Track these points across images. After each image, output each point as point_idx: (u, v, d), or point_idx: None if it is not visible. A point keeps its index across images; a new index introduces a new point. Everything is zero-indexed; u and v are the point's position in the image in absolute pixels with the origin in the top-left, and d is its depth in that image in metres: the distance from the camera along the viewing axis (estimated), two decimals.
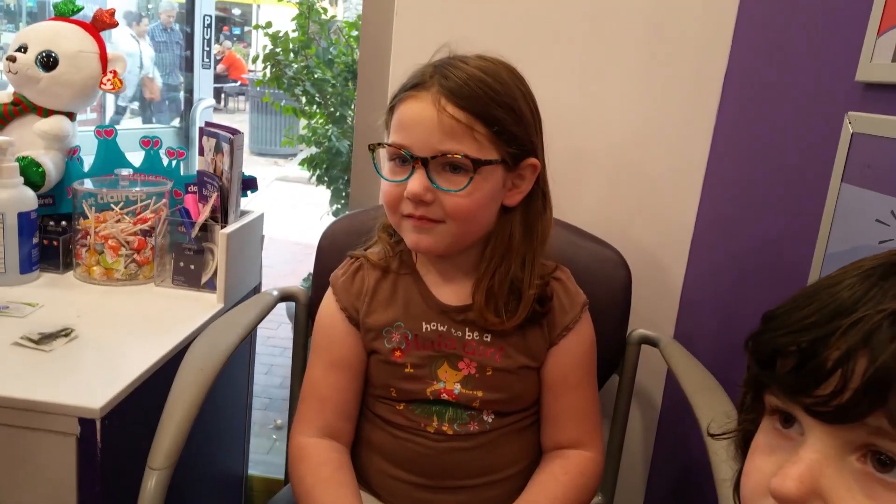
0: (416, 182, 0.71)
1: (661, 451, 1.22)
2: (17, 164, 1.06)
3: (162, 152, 1.22)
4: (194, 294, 1.11)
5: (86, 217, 1.12)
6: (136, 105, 3.34)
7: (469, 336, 0.79)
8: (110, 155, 1.20)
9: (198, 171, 1.16)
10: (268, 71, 2.34)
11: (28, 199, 1.07)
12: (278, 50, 2.31)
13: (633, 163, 1.12)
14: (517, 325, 0.78)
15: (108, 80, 1.16)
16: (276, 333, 2.71)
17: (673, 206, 1.13)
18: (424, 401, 0.80)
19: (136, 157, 1.21)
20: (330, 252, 0.98)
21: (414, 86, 0.73)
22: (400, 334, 0.80)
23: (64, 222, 1.16)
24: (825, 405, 0.34)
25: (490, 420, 0.80)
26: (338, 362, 0.82)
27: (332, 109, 2.31)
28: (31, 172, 1.09)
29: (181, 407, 0.75)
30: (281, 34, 2.32)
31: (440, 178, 0.72)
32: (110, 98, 3.05)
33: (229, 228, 1.08)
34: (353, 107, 2.26)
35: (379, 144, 0.77)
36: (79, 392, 0.78)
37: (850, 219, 0.69)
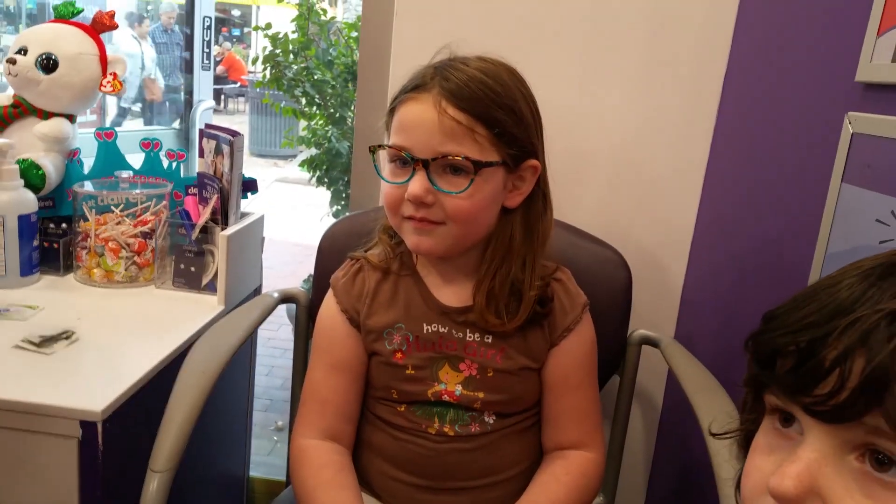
0: (417, 184, 0.71)
1: (662, 452, 1.22)
2: (17, 166, 1.06)
3: (162, 154, 1.22)
4: (195, 296, 1.11)
5: (86, 219, 1.12)
6: (138, 106, 3.33)
7: (470, 337, 0.79)
8: (110, 157, 1.20)
9: (198, 173, 1.16)
10: (267, 72, 2.34)
11: (28, 201, 1.07)
12: (278, 51, 2.31)
13: (633, 163, 1.12)
14: (518, 327, 0.78)
15: (108, 82, 1.16)
16: (277, 335, 2.71)
17: (673, 206, 1.13)
18: (425, 402, 0.80)
19: (135, 160, 1.22)
20: (330, 253, 0.98)
21: (414, 87, 0.73)
22: (401, 336, 0.80)
23: (64, 225, 1.16)
24: (823, 404, 0.34)
25: (491, 421, 0.80)
26: (339, 364, 0.82)
27: (331, 111, 2.31)
28: (31, 175, 1.09)
29: (183, 409, 0.75)
30: (281, 35, 2.32)
31: (441, 179, 0.72)
32: (112, 100, 3.05)
33: (230, 230, 1.08)
34: (352, 108, 2.26)
35: (380, 146, 0.77)
36: (80, 395, 0.78)
37: (850, 219, 0.69)
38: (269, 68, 2.33)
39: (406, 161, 0.73)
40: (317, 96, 2.31)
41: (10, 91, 1.17)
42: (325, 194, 2.42)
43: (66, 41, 1.14)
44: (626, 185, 1.13)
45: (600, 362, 0.86)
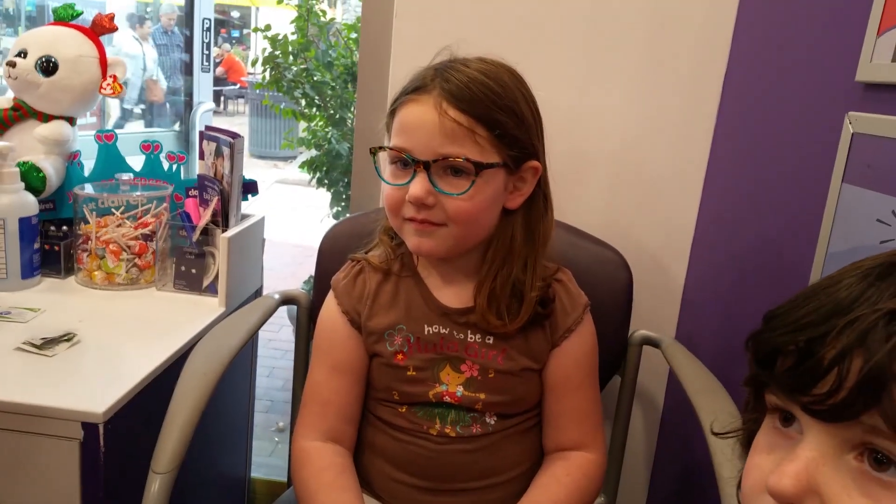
0: (418, 185, 0.71)
1: (663, 452, 1.22)
2: (17, 169, 1.06)
3: (162, 156, 1.22)
4: (196, 298, 1.11)
5: (87, 222, 1.12)
6: (140, 108, 3.33)
7: (471, 338, 0.79)
8: (111, 159, 1.20)
9: (198, 175, 1.16)
10: (267, 74, 2.34)
11: (29, 204, 1.07)
12: (277, 53, 2.31)
13: (633, 164, 1.12)
14: (519, 328, 0.78)
15: (108, 84, 1.16)
16: (278, 336, 2.71)
17: (674, 206, 1.13)
18: (427, 403, 0.80)
19: (136, 162, 1.22)
20: (331, 255, 0.98)
21: (415, 89, 0.73)
22: (402, 337, 0.80)
23: (65, 227, 1.16)
24: (821, 404, 0.35)
25: (492, 422, 0.80)
26: (340, 366, 0.82)
27: (331, 112, 2.31)
28: (31, 177, 1.09)
29: (184, 410, 0.75)
30: (280, 37, 2.32)
31: (442, 181, 0.72)
32: (115, 102, 3.04)
33: (230, 232, 1.08)
34: (352, 109, 2.26)
35: (380, 148, 0.77)
36: (81, 396, 0.78)
37: (850, 219, 0.69)
38: (268, 70, 2.33)
39: (407, 163, 0.73)
40: (316, 98, 2.31)
41: (10, 94, 1.17)
42: (325, 196, 2.42)
43: (66, 44, 1.14)
44: (627, 186, 1.13)
45: (601, 363, 0.86)
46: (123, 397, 0.80)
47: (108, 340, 0.94)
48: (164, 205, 1.16)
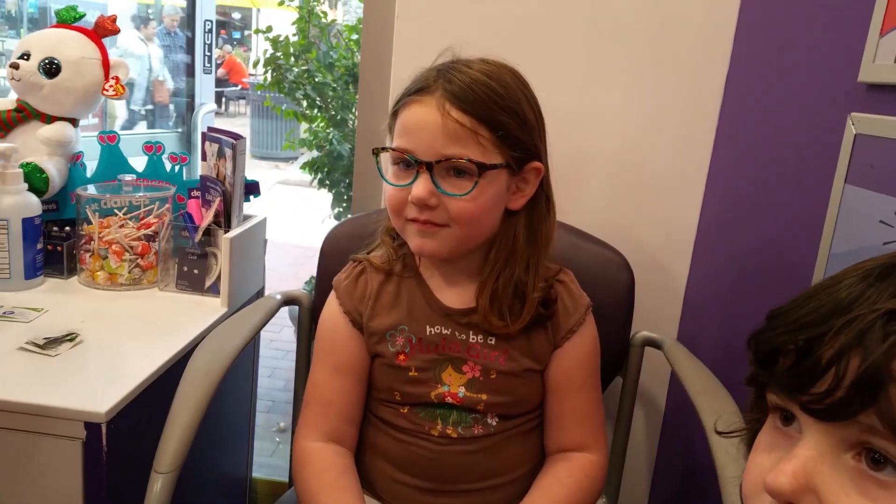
0: (421, 186, 0.71)
1: (664, 453, 1.22)
2: (20, 170, 1.06)
3: (164, 157, 1.22)
4: (198, 298, 1.11)
5: (89, 222, 1.12)
6: (149, 108, 3.32)
7: (473, 339, 0.79)
8: (113, 160, 1.21)
9: (201, 176, 1.16)
10: (268, 75, 2.34)
11: (32, 204, 1.07)
12: (279, 54, 2.31)
13: (635, 164, 1.13)
14: (521, 328, 0.78)
15: (111, 86, 1.17)
16: (279, 336, 2.71)
17: (675, 207, 1.13)
18: (429, 404, 0.80)
19: (138, 163, 1.22)
20: (333, 255, 0.98)
21: (418, 90, 0.73)
22: (404, 338, 0.80)
23: (68, 228, 1.16)
24: (819, 403, 0.35)
25: (494, 423, 0.80)
26: (341, 366, 0.82)
27: (332, 113, 2.31)
28: (34, 178, 1.09)
29: (186, 411, 0.75)
30: (281, 38, 2.32)
31: (445, 182, 0.72)
32: (122, 104, 3.04)
33: (232, 233, 1.08)
34: (353, 110, 2.26)
35: (383, 149, 0.77)
36: (84, 396, 0.79)
37: (853, 220, 0.69)
38: (270, 71, 2.33)
39: (409, 163, 0.73)
40: (318, 99, 2.31)
41: (14, 95, 1.17)
42: (326, 196, 2.42)
43: (69, 46, 1.14)
44: (628, 186, 1.13)
45: (603, 364, 0.86)
46: (126, 397, 0.80)
47: (111, 340, 0.94)
48: (167, 205, 1.16)
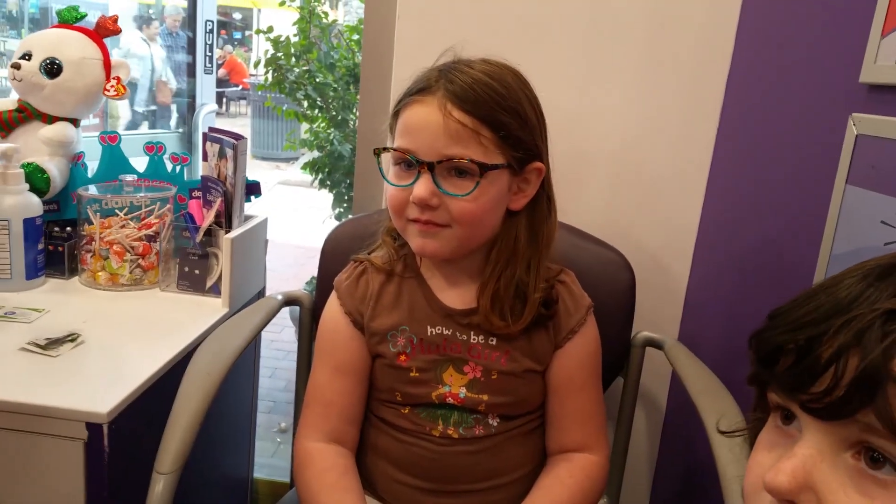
0: (423, 187, 0.72)
1: (666, 454, 1.22)
2: (22, 170, 1.06)
3: (165, 158, 1.22)
4: (199, 298, 1.11)
5: (91, 223, 1.12)
6: (151, 108, 3.32)
7: (474, 339, 0.79)
8: (114, 161, 1.21)
9: (202, 177, 1.16)
10: (269, 75, 2.35)
11: (33, 205, 1.08)
12: (280, 54, 2.31)
13: (635, 165, 1.12)
14: (522, 329, 0.78)
15: (112, 86, 1.17)
16: (280, 337, 2.71)
17: (676, 207, 1.13)
18: (430, 405, 0.80)
19: (139, 163, 1.22)
20: (334, 256, 0.98)
21: (419, 90, 0.73)
22: (405, 338, 0.80)
23: (69, 228, 1.16)
24: (819, 402, 0.35)
25: (495, 424, 0.80)
26: (342, 367, 0.82)
27: (333, 113, 2.31)
28: (35, 179, 1.09)
29: (188, 411, 0.75)
30: (282, 38, 2.32)
31: (446, 182, 0.72)
32: (124, 104, 3.04)
33: (233, 233, 1.09)
34: (354, 110, 2.26)
35: (385, 149, 0.77)
36: (86, 397, 0.79)
37: (854, 220, 0.69)
38: (270, 71, 2.33)
39: (411, 164, 0.73)
40: (319, 99, 2.31)
41: (15, 95, 1.17)
42: (327, 197, 2.42)
43: (70, 46, 1.14)
44: (629, 186, 1.13)
45: (604, 364, 0.86)
46: (127, 398, 0.80)
47: (112, 341, 0.94)
48: (168, 206, 1.16)
